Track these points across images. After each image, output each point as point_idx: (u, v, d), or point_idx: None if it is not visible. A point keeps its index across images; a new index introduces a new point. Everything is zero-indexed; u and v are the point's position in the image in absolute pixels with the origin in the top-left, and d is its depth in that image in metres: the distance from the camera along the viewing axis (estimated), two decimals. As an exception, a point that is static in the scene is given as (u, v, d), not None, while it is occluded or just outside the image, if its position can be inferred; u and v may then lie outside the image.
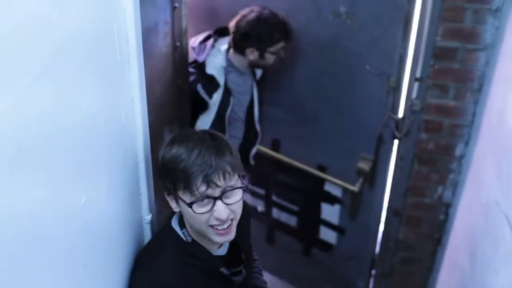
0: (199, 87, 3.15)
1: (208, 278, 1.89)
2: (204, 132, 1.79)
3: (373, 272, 3.75)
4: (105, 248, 1.67)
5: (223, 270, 1.89)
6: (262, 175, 3.89)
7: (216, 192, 1.71)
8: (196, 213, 1.72)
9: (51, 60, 1.19)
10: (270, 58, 3.21)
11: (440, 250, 3.38)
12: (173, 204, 1.81)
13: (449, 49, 2.86)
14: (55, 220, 1.28)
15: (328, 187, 3.63)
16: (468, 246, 2.83)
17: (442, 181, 3.21)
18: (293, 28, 3.20)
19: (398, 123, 3.14)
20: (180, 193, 1.73)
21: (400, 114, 3.13)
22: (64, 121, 1.29)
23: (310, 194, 3.78)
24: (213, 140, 1.73)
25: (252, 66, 3.30)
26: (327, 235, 3.82)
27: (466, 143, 3.07)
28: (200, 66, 3.18)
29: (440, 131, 3.08)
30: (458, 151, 3.11)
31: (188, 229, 1.86)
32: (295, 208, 3.91)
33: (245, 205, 2.01)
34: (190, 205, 1.71)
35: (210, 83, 3.19)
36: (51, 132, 1.22)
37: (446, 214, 3.30)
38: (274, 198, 3.93)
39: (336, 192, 3.60)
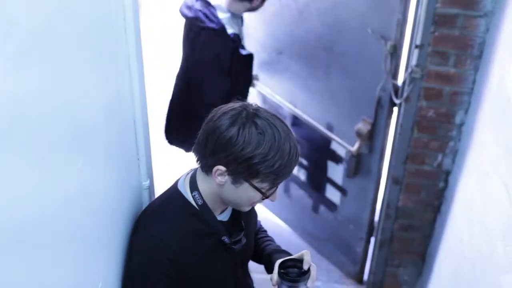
0: (242, 51, 3.35)
1: (209, 243, 1.91)
2: (274, 116, 1.77)
3: (372, 239, 3.77)
4: (103, 213, 1.68)
5: (225, 239, 1.91)
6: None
7: None
8: (265, 197, 1.80)
9: (44, 26, 1.19)
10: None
11: (440, 217, 3.39)
12: (222, 179, 1.76)
13: (449, 16, 2.85)
14: (52, 184, 1.28)
15: (334, 146, 3.70)
16: (467, 214, 2.84)
17: (442, 149, 3.21)
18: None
19: (397, 89, 3.13)
20: (255, 181, 1.75)
21: (400, 80, 3.12)
22: (60, 86, 1.29)
23: (318, 150, 3.86)
24: (287, 129, 1.77)
25: (247, 10, 3.45)
26: (332, 194, 3.88)
27: (466, 111, 3.07)
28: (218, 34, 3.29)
29: (440, 98, 3.08)
30: (458, 119, 3.10)
31: (203, 191, 1.86)
32: (305, 162, 4.01)
33: None
34: (265, 193, 1.78)
35: (239, 41, 3.34)
36: (47, 97, 1.22)
37: (446, 181, 3.30)
38: None
39: (341, 152, 3.65)
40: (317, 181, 4.00)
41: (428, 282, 3.48)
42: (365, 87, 3.32)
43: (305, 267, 1.88)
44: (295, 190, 4.22)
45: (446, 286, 3.11)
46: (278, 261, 1.92)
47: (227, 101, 1.85)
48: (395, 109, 3.26)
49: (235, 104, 1.76)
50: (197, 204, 1.87)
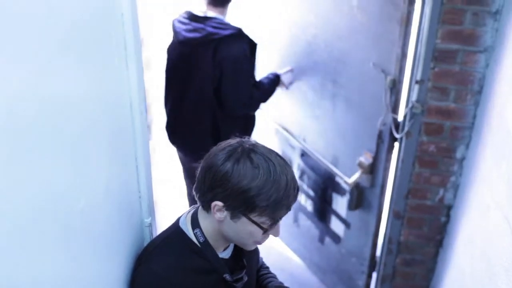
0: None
1: (210, 281, 1.90)
2: (271, 151, 1.79)
3: (375, 274, 3.75)
4: (104, 251, 1.68)
5: (227, 276, 1.90)
6: (287, 155, 4.15)
7: None
8: (265, 234, 1.80)
9: (54, 51, 1.20)
10: None
11: (442, 252, 3.38)
12: (221, 215, 1.77)
13: (449, 52, 2.87)
14: (53, 223, 1.28)
15: (338, 178, 3.70)
16: (469, 248, 2.83)
17: (443, 183, 3.22)
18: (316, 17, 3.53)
19: (398, 123, 3.15)
20: (253, 215, 1.75)
21: (401, 115, 3.14)
22: (62, 121, 1.30)
23: (324, 182, 3.88)
24: (285, 163, 1.78)
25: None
26: (337, 226, 3.89)
27: (467, 145, 3.08)
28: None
29: (441, 133, 3.08)
30: (459, 154, 3.11)
31: (205, 228, 1.86)
32: (312, 193, 4.04)
33: None
34: (264, 228, 1.78)
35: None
36: (50, 131, 1.23)
37: (448, 216, 3.30)
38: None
39: (345, 184, 3.65)
40: (323, 213, 4.01)
41: (431, 318, 3.46)
42: (367, 120, 3.34)
43: None
44: (303, 220, 4.26)
45: (449, 321, 3.08)
46: None
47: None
48: (396, 144, 3.26)
49: (232, 141, 1.79)
50: (198, 241, 1.86)
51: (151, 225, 2.06)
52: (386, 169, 3.37)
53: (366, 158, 3.38)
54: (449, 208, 3.27)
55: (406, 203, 3.32)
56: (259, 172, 1.70)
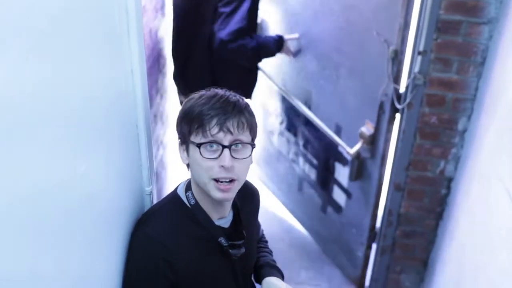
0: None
1: (205, 246, 1.91)
2: (227, 90, 1.86)
3: (375, 246, 3.76)
4: (104, 218, 1.68)
5: (222, 240, 1.90)
6: (293, 123, 4.17)
7: (226, 140, 1.76)
8: (203, 156, 1.77)
9: (48, 28, 1.19)
10: None
11: (442, 224, 3.38)
12: (183, 155, 1.86)
13: (453, 23, 2.84)
14: (54, 187, 1.28)
15: (341, 148, 3.69)
16: (470, 221, 2.83)
17: (445, 155, 3.21)
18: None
19: (399, 94, 3.13)
20: (192, 137, 1.78)
21: (403, 86, 3.12)
22: (62, 89, 1.29)
23: (327, 151, 3.89)
24: (234, 96, 1.82)
25: None
26: (339, 196, 3.90)
27: (469, 117, 3.07)
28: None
29: (442, 105, 3.07)
30: (460, 125, 3.10)
31: (193, 189, 1.89)
32: (315, 162, 4.07)
33: (254, 186, 2.14)
34: (199, 145, 1.77)
35: None
36: (50, 100, 1.22)
37: (448, 188, 3.30)
38: (301, 148, 4.17)
39: (346, 154, 3.64)
40: (325, 182, 4.03)
41: (430, 289, 3.48)
42: (369, 90, 3.32)
43: None
44: (307, 188, 4.30)
45: (448, 293, 3.10)
46: (266, 279, 2.01)
47: None
48: (397, 115, 3.25)
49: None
50: (190, 204, 1.89)
51: (151, 194, 2.06)
52: (387, 140, 3.36)
53: (367, 129, 3.37)
54: (450, 180, 3.27)
55: (406, 175, 3.32)
56: (193, 99, 1.81)
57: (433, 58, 2.95)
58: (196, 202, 1.89)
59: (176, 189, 1.98)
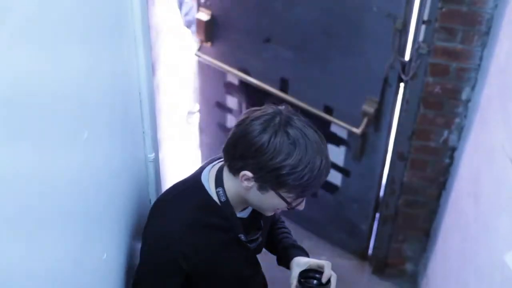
0: None
1: (224, 238, 1.89)
2: (308, 125, 1.74)
3: (377, 215, 3.78)
4: (107, 185, 1.69)
5: (241, 236, 1.89)
6: None
7: None
8: (290, 207, 1.78)
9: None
10: None
11: (445, 194, 3.39)
12: (248, 184, 1.73)
13: (458, -9, 2.83)
14: (56, 154, 1.29)
15: (334, 129, 3.64)
16: (473, 190, 2.84)
17: (448, 125, 3.21)
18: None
19: (405, 65, 3.12)
20: (282, 191, 1.72)
21: (407, 56, 3.11)
22: (63, 55, 1.29)
23: None
24: (321, 140, 1.74)
25: None
26: (333, 176, 3.83)
27: (473, 87, 3.06)
28: None
29: (447, 74, 3.06)
30: (464, 95, 3.09)
31: (227, 189, 1.82)
32: None
33: None
34: (290, 203, 1.76)
35: None
36: (51, 67, 1.22)
37: (451, 158, 3.30)
38: None
39: (342, 133, 3.61)
40: None
41: (432, 258, 3.50)
42: (369, 66, 3.27)
43: (324, 280, 1.90)
44: None
45: (450, 262, 3.12)
46: (296, 269, 1.97)
47: None
48: (401, 85, 3.24)
49: (268, 109, 1.73)
50: (220, 200, 1.84)
51: (155, 161, 2.06)
52: (392, 112, 3.35)
53: (370, 105, 3.34)
54: (453, 150, 3.27)
55: (410, 144, 3.32)
56: (294, 150, 1.65)
57: (437, 27, 2.93)
58: (227, 200, 1.83)
59: (198, 175, 1.89)
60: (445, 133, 3.23)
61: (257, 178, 1.70)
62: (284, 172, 1.66)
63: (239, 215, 1.89)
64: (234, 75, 3.81)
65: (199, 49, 3.81)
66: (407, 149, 3.34)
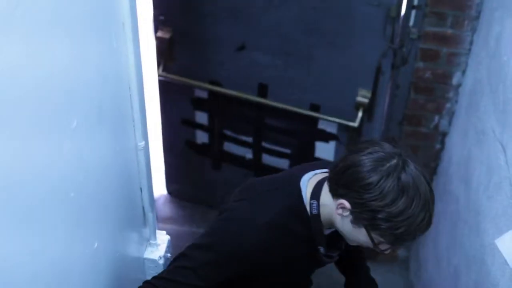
0: None
1: (302, 246, 1.85)
2: (422, 174, 1.62)
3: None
4: (97, 173, 1.68)
5: (321, 249, 1.84)
6: (249, 122, 3.77)
7: None
8: (377, 249, 1.71)
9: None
10: None
11: (436, 179, 3.40)
12: (342, 213, 1.68)
13: (447, -24, 2.82)
14: (45, 143, 1.28)
15: (322, 125, 3.58)
16: (463, 174, 2.85)
17: (439, 110, 3.21)
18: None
19: (396, 52, 3.11)
20: (375, 233, 1.65)
21: (398, 43, 3.10)
22: (52, 44, 1.28)
23: (303, 134, 3.71)
24: (431, 194, 1.62)
25: None
26: None
27: (463, 72, 3.06)
28: None
29: (437, 59, 3.06)
30: (455, 80, 3.09)
31: (321, 205, 1.76)
32: (287, 151, 3.83)
33: None
34: (378, 246, 1.69)
35: None
36: (39, 55, 1.21)
37: (442, 143, 3.31)
38: (264, 144, 3.82)
39: (331, 129, 3.57)
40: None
41: (424, 243, 3.51)
42: (360, 58, 3.24)
43: None
44: None
45: (441, 246, 3.13)
46: None
47: None
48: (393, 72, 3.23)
49: (387, 147, 1.64)
50: (311, 212, 1.78)
51: (145, 149, 2.05)
52: (385, 100, 3.34)
53: (363, 96, 3.31)
54: (444, 135, 3.27)
55: (400, 130, 3.32)
56: (400, 199, 1.56)
57: (427, 12, 2.92)
58: (318, 215, 1.77)
59: (297, 178, 1.84)
60: (436, 118, 3.23)
61: (353, 212, 1.64)
62: (381, 216, 1.58)
63: (325, 232, 1.83)
64: (203, 88, 3.66)
65: (163, 69, 3.60)
66: (398, 134, 3.34)
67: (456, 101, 3.14)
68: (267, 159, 3.86)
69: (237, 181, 3.91)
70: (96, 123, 1.64)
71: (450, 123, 3.22)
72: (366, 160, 1.59)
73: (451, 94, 3.14)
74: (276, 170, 3.83)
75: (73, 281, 1.57)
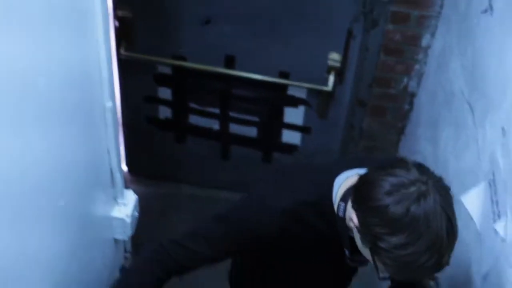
0: None
1: (321, 245, 1.77)
2: (445, 209, 1.43)
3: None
4: (63, 133, 1.67)
5: (346, 251, 1.72)
6: (215, 94, 3.73)
7: None
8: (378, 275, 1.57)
9: None
10: None
11: (404, 139, 3.43)
12: (351, 225, 1.56)
13: None
14: (7, 99, 1.26)
15: (291, 91, 3.58)
16: (431, 135, 2.87)
17: (408, 72, 3.22)
18: None
19: (367, 15, 3.11)
20: (377, 259, 1.51)
21: (368, 6, 3.09)
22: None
23: (271, 101, 3.69)
24: (446, 238, 1.42)
25: None
26: (291, 137, 3.79)
27: (433, 34, 3.06)
28: None
29: (407, 22, 3.06)
30: (424, 42, 3.10)
31: (348, 210, 1.62)
32: (255, 119, 3.80)
33: None
34: (377, 271, 1.54)
35: None
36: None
37: (411, 104, 3.32)
38: (231, 114, 3.79)
39: (301, 94, 3.57)
40: (269, 132, 3.83)
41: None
42: (331, 23, 3.23)
43: None
44: (238, 150, 3.97)
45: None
46: None
47: None
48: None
49: (415, 171, 1.47)
50: (338, 214, 1.66)
51: (112, 109, 2.03)
52: (356, 62, 3.34)
53: (334, 60, 3.30)
54: (413, 96, 3.29)
55: (370, 92, 3.33)
56: (405, 232, 1.40)
57: (398, -26, 2.92)
58: (344, 218, 1.64)
59: (333, 173, 1.72)
60: (405, 79, 3.24)
61: (359, 230, 1.52)
62: (382, 245, 1.44)
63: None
64: (167, 64, 3.61)
65: (125, 49, 3.49)
66: (367, 96, 3.35)
67: (425, 63, 3.15)
68: (234, 128, 3.84)
69: (204, 153, 3.98)
70: (64, 83, 1.62)
71: (418, 84, 3.23)
72: (385, 181, 1.44)
73: (420, 56, 3.15)
74: (243, 138, 3.88)
75: (38, 239, 1.57)
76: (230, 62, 3.52)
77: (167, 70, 3.66)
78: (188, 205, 3.92)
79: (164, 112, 3.85)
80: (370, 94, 3.34)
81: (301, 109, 3.64)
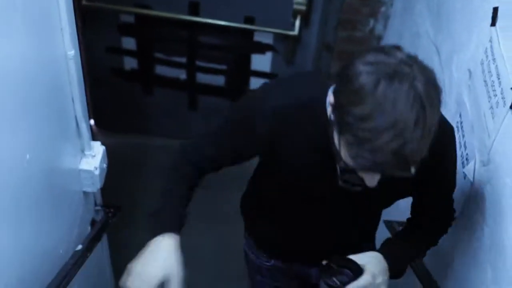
0: None
1: (312, 152, 1.67)
2: (421, 101, 1.28)
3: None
4: (25, 84, 1.63)
5: (338, 168, 1.57)
6: (181, 43, 3.68)
7: None
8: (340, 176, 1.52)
9: None
10: None
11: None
12: (332, 113, 1.42)
13: None
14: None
15: (258, 37, 3.55)
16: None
17: (374, 14, 3.20)
18: None
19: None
20: (343, 139, 1.38)
21: None
22: None
23: (238, 48, 3.66)
24: (419, 125, 1.28)
25: None
26: (258, 84, 3.68)
27: (399, -24, 3.05)
28: None
29: (373, -38, 3.04)
30: (390, -17, 3.09)
31: (330, 96, 1.46)
32: (222, 67, 3.77)
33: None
34: (338, 158, 1.44)
35: None
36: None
37: (377, 47, 3.32)
38: (198, 63, 3.75)
39: (268, 40, 3.54)
40: (238, 79, 3.81)
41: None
42: None
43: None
44: (206, 99, 3.95)
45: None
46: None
47: None
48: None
49: (404, 52, 1.34)
50: (330, 118, 1.48)
51: (75, 58, 1.98)
52: (322, 5, 3.30)
53: (299, 4, 3.26)
54: (379, 38, 3.28)
55: (336, 35, 3.31)
56: (367, 104, 1.28)
57: None
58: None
59: (326, 82, 1.59)
60: (371, 22, 3.23)
61: (333, 111, 1.41)
62: (346, 119, 1.32)
63: None
64: (130, 13, 3.54)
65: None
66: (333, 39, 3.33)
67: (391, 5, 3.13)
68: (202, 77, 3.81)
69: (171, 104, 3.94)
70: (23, 32, 1.57)
71: (385, 26, 3.22)
72: (371, 55, 1.33)
73: (386, -2, 3.13)
74: (211, 88, 3.85)
75: (6, 193, 1.55)
76: (194, 8, 3.47)
77: (130, 19, 3.59)
78: (158, 156, 3.88)
79: (130, 63, 3.79)
80: (336, 38, 3.32)
81: (268, 56, 3.61)
